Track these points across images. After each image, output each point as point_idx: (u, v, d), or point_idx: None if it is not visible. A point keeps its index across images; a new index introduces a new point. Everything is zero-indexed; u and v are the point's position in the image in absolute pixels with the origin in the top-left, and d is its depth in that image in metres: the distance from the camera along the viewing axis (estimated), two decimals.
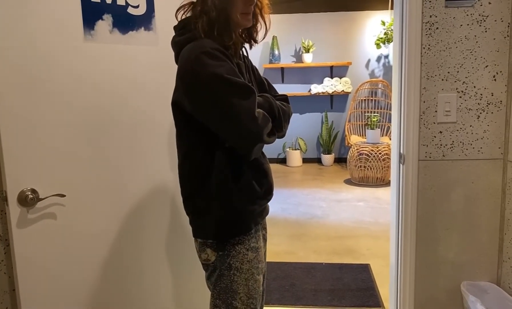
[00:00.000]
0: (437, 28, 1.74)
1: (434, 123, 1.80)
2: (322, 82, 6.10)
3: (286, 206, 4.17)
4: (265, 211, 1.28)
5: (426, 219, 1.85)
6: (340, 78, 6.05)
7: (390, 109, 5.82)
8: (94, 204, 1.45)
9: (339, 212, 3.94)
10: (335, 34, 6.07)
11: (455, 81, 1.77)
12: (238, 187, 1.14)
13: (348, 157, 5.12)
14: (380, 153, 4.84)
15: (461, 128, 1.79)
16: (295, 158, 6.13)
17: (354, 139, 5.65)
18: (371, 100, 5.97)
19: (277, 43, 6.05)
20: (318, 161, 6.30)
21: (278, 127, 1.19)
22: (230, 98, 1.04)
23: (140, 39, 1.52)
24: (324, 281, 2.54)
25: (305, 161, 6.28)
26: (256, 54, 6.07)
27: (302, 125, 6.32)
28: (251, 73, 1.29)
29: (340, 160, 6.27)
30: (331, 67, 6.10)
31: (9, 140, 1.29)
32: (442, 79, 1.77)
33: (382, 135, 5.67)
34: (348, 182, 5.11)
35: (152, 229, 1.59)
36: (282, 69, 6.19)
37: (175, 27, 1.22)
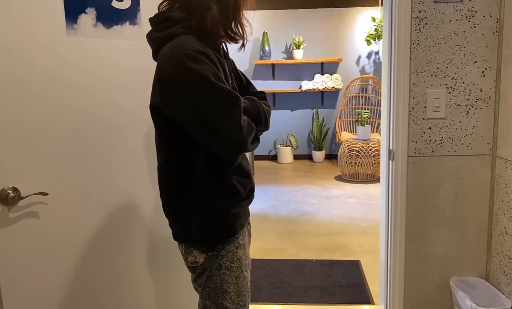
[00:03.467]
0: (426, 23, 1.73)
1: (423, 119, 1.80)
2: (313, 79, 6.09)
3: (276, 202, 4.16)
4: (247, 212, 1.25)
5: (415, 215, 1.85)
6: (331, 74, 6.05)
7: (380, 106, 5.83)
8: (78, 202, 1.41)
9: (330, 208, 3.94)
10: (325, 31, 6.06)
11: (444, 77, 1.76)
12: (221, 190, 1.10)
13: (338, 153, 5.12)
14: (370, 150, 4.85)
15: (450, 124, 1.79)
16: (286, 154, 6.12)
17: (345, 135, 5.66)
18: (362, 96, 5.98)
19: (267, 39, 6.02)
20: (309, 157, 6.30)
21: (262, 131, 1.16)
22: (215, 107, 0.99)
23: (125, 34, 1.49)
24: (314, 278, 2.53)
25: (296, 157, 6.27)
26: (246, 51, 6.03)
27: (293, 122, 6.31)
28: (232, 70, 1.23)
29: (331, 156, 6.28)
30: (322, 63, 6.09)
31: None
32: (431, 75, 1.77)
33: (373, 132, 5.69)
34: (339, 178, 5.12)
35: (138, 228, 1.56)
36: (273, 65, 6.17)
37: (151, 20, 1.13)
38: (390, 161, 1.88)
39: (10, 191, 1.28)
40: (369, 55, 6.03)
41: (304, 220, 3.66)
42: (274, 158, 6.31)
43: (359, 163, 4.87)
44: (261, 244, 3.11)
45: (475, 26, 1.72)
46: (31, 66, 1.29)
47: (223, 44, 1.18)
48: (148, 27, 1.53)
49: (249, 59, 6.20)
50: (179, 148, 1.08)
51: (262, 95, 1.25)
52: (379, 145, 4.93)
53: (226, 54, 1.20)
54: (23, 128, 1.30)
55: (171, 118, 1.04)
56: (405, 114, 1.80)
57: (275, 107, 6.29)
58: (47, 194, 1.34)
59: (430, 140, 1.80)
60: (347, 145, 4.95)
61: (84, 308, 1.47)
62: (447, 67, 1.75)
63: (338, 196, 4.36)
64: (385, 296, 2.01)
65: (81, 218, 1.43)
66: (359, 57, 6.04)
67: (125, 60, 1.48)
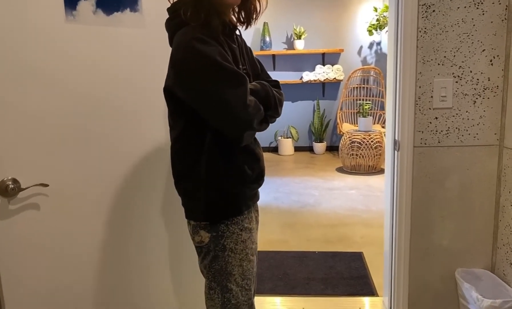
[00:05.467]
0: (433, 10, 1.69)
1: (429, 109, 1.76)
2: (314, 70, 6.04)
3: (278, 194, 4.14)
4: (256, 196, 1.26)
5: (421, 206, 1.83)
6: (332, 65, 6.00)
7: (382, 97, 5.79)
8: (79, 194, 1.39)
9: (331, 200, 3.92)
10: (327, 21, 6.00)
11: (451, 66, 1.73)
12: (227, 170, 1.12)
13: (340, 145, 5.09)
14: (372, 141, 4.82)
15: (457, 114, 1.75)
16: (286, 146, 6.09)
17: (346, 127, 5.62)
18: (363, 87, 5.94)
19: (268, 29, 5.96)
20: (310, 149, 6.28)
21: (273, 116, 1.18)
22: (221, 85, 1.02)
23: (126, 21, 1.45)
24: (317, 270, 2.52)
25: (296, 149, 6.24)
26: (247, 41, 5.96)
27: (293, 114, 6.27)
28: (245, 56, 1.26)
29: (332, 148, 6.25)
30: (323, 54, 6.04)
31: None
32: (438, 64, 1.73)
33: (374, 123, 5.65)
34: (340, 170, 5.10)
35: (144, 219, 1.53)
36: (274, 56, 6.11)
37: (168, 10, 1.18)
38: (396, 152, 1.85)
39: (10, 183, 1.25)
40: (370, 46, 5.98)
41: (306, 212, 3.64)
42: (274, 149, 6.28)
43: (360, 154, 4.84)
44: (264, 235, 3.09)
45: (483, 14, 1.68)
46: (29, 54, 1.26)
47: (237, 30, 1.23)
48: (148, 14, 1.49)
49: None
50: (189, 129, 1.12)
51: (275, 83, 1.26)
52: (381, 137, 4.90)
53: (238, 40, 1.23)
54: (22, 118, 1.26)
55: (181, 99, 1.08)
56: (411, 104, 1.77)
57: None
58: (47, 185, 1.31)
59: (437, 131, 1.77)
60: (349, 137, 4.92)
61: (89, 299, 1.45)
62: (454, 56, 1.72)
63: (340, 187, 4.34)
64: (389, 287, 2.00)
65: (83, 209, 1.40)
66: (361, 47, 5.99)
67: (126, 48, 1.44)
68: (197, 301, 1.51)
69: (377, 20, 5.56)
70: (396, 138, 1.84)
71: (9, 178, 1.26)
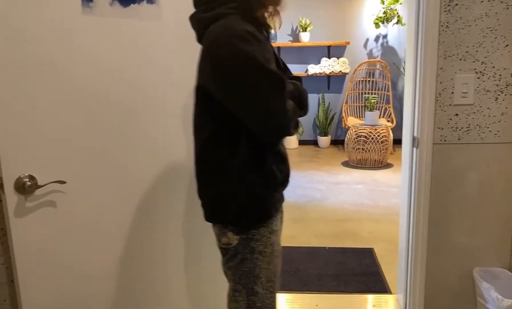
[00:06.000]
0: (456, 4, 1.65)
1: (450, 105, 1.73)
2: (319, 62, 5.98)
3: None
4: (282, 197, 1.24)
5: (439, 204, 1.80)
6: (338, 58, 5.93)
7: (388, 91, 5.74)
8: (97, 190, 1.36)
9: (338, 194, 3.90)
10: (333, 13, 5.93)
11: (473, 61, 1.69)
12: (260, 173, 1.09)
13: (346, 139, 5.05)
14: (378, 136, 4.78)
15: (478, 110, 1.72)
16: (291, 139, 6.04)
17: (351, 121, 5.58)
18: (369, 81, 5.89)
19: (273, 21, 5.88)
20: (314, 143, 6.24)
21: (302, 116, 1.16)
22: (264, 89, 0.99)
23: (143, 13, 1.41)
24: (328, 266, 2.50)
25: (301, 143, 6.20)
26: None
27: None
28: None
29: (337, 142, 6.21)
30: (329, 47, 5.97)
31: (4, 123, 1.18)
32: (460, 59, 1.69)
33: (380, 117, 5.61)
34: (346, 164, 5.07)
35: (163, 216, 1.50)
36: (279, 48, 6.04)
37: (195, 1, 1.10)
38: (414, 148, 1.82)
39: (27, 179, 1.22)
40: (377, 39, 5.91)
41: (312, 206, 3.62)
42: None
43: (366, 148, 4.81)
44: None
45: (507, 8, 1.63)
46: (45, 48, 1.22)
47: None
48: (165, 6, 1.44)
49: None
50: (222, 130, 1.07)
51: (299, 79, 1.23)
52: (387, 131, 4.87)
53: (268, 37, 1.18)
54: (39, 114, 1.23)
55: (217, 99, 1.03)
56: (431, 100, 1.73)
57: None
58: (65, 182, 1.28)
59: (457, 128, 1.74)
60: (355, 131, 4.88)
61: (108, 298, 1.42)
62: (476, 51, 1.68)
63: (346, 182, 4.31)
64: (404, 285, 1.98)
65: (102, 207, 1.37)
66: (367, 40, 5.92)
67: (144, 40, 1.40)
68: (218, 305, 1.48)
69: (384, 12, 5.49)
70: (415, 135, 1.80)
71: (26, 174, 1.23)
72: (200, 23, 1.07)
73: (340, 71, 5.87)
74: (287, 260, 2.59)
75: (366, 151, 4.82)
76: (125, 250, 1.43)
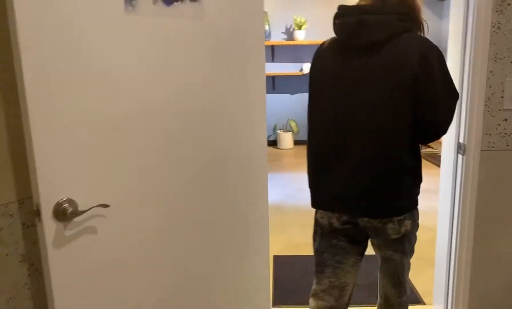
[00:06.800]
0: (508, 4, 1.57)
1: (499, 110, 1.65)
2: None
3: (289, 191, 4.01)
4: None
5: (485, 212, 1.73)
6: None
7: None
8: (142, 215, 1.20)
9: None
10: (328, 11, 5.85)
11: None
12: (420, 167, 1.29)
13: None
14: None
15: None
16: (286, 140, 5.95)
17: None
18: None
19: (267, 19, 5.77)
20: None
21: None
22: (455, 92, 1.23)
23: (186, 12, 1.26)
24: None
25: (296, 143, 6.12)
26: None
27: (293, 106, 6.13)
28: None
29: None
30: None
31: (42, 140, 1.01)
32: (511, 62, 1.62)
33: None
34: None
35: (220, 246, 1.36)
36: (273, 47, 5.93)
37: (395, 8, 1.22)
38: (460, 155, 1.74)
39: (67, 205, 1.06)
40: None
41: None
42: (273, 143, 6.13)
43: None
44: (287, 238, 2.96)
45: None
46: (85, 51, 1.06)
47: None
48: (208, 4, 1.30)
49: None
50: (410, 128, 1.21)
51: None
52: None
53: None
54: (77, 126, 1.06)
55: (417, 92, 1.18)
56: (480, 105, 1.65)
57: (275, 90, 6.08)
58: (108, 206, 1.12)
59: (505, 133, 1.67)
60: None
61: None
62: None
63: None
64: (444, 296, 1.90)
65: (146, 233, 1.22)
66: None
67: (189, 42, 1.25)
68: None
69: None
70: (461, 141, 1.72)
71: (65, 199, 1.06)
72: (398, 27, 1.20)
73: None
74: (310, 271, 2.48)
75: None
76: (175, 283, 1.29)
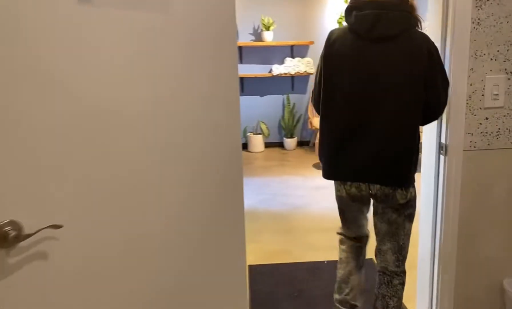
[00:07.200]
0: None
1: (480, 108, 1.61)
2: (282, 63, 5.83)
3: (262, 196, 3.90)
4: None
5: (468, 215, 1.68)
6: (302, 58, 5.83)
7: None
8: (103, 230, 1.04)
9: (321, 200, 3.75)
10: (296, 12, 5.81)
11: (504, 61, 1.58)
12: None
13: (316, 141, 4.94)
14: None
15: (508, 113, 1.62)
16: (257, 142, 5.85)
17: (317, 122, 5.49)
18: None
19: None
20: (280, 145, 6.09)
21: None
22: (448, 80, 1.52)
23: (148, 4, 1.11)
24: (333, 283, 2.31)
25: (267, 145, 6.03)
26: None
27: (263, 108, 6.04)
28: None
29: (303, 143, 6.11)
30: (292, 46, 5.84)
31: None
32: (491, 59, 1.57)
33: None
34: (317, 166, 4.96)
35: (193, 258, 1.21)
36: (240, 48, 5.81)
37: (405, 6, 1.41)
38: (441, 156, 1.68)
39: (9, 228, 0.88)
40: None
41: (299, 215, 3.43)
42: (244, 146, 6.00)
43: None
44: (262, 246, 2.84)
45: None
46: (29, 48, 0.89)
47: None
48: None
49: None
50: (419, 111, 1.45)
51: None
52: None
53: None
54: (20, 133, 0.90)
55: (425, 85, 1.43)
56: (462, 104, 1.60)
57: (244, 93, 5.97)
58: (61, 227, 0.95)
59: (486, 132, 1.62)
60: None
61: None
62: (507, 50, 1.57)
63: (325, 186, 4.17)
64: (428, 301, 1.84)
65: (106, 256, 1.06)
66: None
67: (150, 38, 1.10)
68: None
69: None
70: (443, 141, 1.66)
71: (6, 221, 0.89)
72: (406, 24, 1.41)
73: (305, 71, 5.77)
74: (286, 280, 2.38)
75: None
76: (143, 300, 1.13)
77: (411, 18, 1.41)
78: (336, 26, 5.70)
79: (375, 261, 1.71)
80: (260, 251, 2.76)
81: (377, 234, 1.63)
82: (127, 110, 1.06)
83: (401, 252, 1.58)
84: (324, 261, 2.58)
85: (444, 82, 1.46)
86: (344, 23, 1.52)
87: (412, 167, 1.48)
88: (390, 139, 1.43)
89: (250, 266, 2.54)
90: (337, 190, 1.64)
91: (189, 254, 1.23)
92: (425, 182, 1.82)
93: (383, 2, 1.37)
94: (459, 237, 1.69)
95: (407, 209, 1.54)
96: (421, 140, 1.54)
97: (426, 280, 1.84)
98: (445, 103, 1.50)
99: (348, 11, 1.44)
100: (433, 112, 1.49)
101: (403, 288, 1.63)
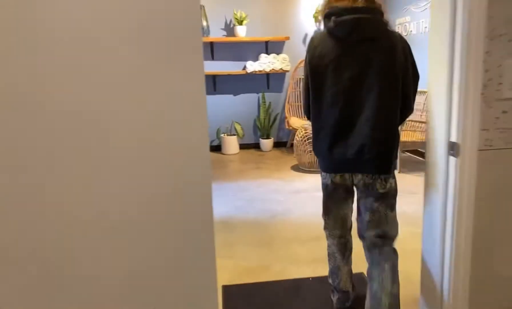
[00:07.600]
0: None
1: (497, 100, 1.35)
2: (257, 59, 5.53)
3: (239, 202, 3.57)
4: None
5: (484, 226, 1.42)
6: (278, 54, 5.54)
7: None
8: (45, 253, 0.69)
9: (302, 206, 3.46)
10: (270, 6, 5.52)
11: None
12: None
13: (295, 141, 4.66)
14: None
15: None
16: (231, 144, 5.51)
17: (296, 121, 5.23)
18: None
19: (205, 14, 5.30)
20: (256, 146, 5.78)
21: None
22: (418, 74, 1.64)
23: None
24: (321, 304, 2.02)
25: (242, 147, 5.70)
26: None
27: (237, 108, 5.71)
28: None
29: (279, 144, 5.83)
30: (267, 42, 5.55)
31: None
32: (509, 40, 1.31)
33: None
34: (296, 168, 4.68)
35: (155, 279, 0.87)
36: (212, 44, 5.46)
37: (379, 10, 1.53)
38: (451, 157, 1.41)
39: None
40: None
41: (278, 223, 3.12)
42: (217, 148, 5.66)
43: None
44: (237, 261, 2.51)
45: None
46: None
47: None
48: None
49: None
50: (399, 107, 1.58)
51: None
52: None
53: None
54: None
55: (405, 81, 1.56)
56: (476, 95, 1.33)
57: (216, 91, 5.63)
58: None
59: (504, 128, 1.36)
60: (304, 132, 4.50)
61: None
62: None
63: (305, 189, 3.90)
64: None
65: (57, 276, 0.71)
66: (306, 35, 5.61)
67: (105, 27, 0.77)
68: None
69: None
70: (453, 140, 1.39)
71: None
72: (383, 26, 1.53)
73: (281, 68, 5.49)
74: (268, 302, 2.06)
75: None
76: None
77: (384, 21, 1.53)
78: (312, 20, 5.47)
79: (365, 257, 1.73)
80: (235, 268, 2.43)
81: (361, 222, 1.71)
82: (79, 110, 0.72)
83: (384, 237, 1.64)
84: (308, 278, 2.28)
85: (415, 76, 1.60)
86: (322, 27, 1.60)
87: (392, 158, 1.58)
88: (374, 133, 1.51)
89: (224, 287, 2.21)
90: (323, 177, 1.76)
91: (141, 272, 0.90)
92: (430, 188, 1.55)
93: (360, 8, 1.48)
94: (473, 253, 1.43)
95: (388, 199, 1.62)
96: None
97: (437, 300, 1.57)
98: (415, 96, 1.63)
99: (327, 17, 1.54)
100: (407, 107, 1.60)
101: (396, 256, 1.65)
